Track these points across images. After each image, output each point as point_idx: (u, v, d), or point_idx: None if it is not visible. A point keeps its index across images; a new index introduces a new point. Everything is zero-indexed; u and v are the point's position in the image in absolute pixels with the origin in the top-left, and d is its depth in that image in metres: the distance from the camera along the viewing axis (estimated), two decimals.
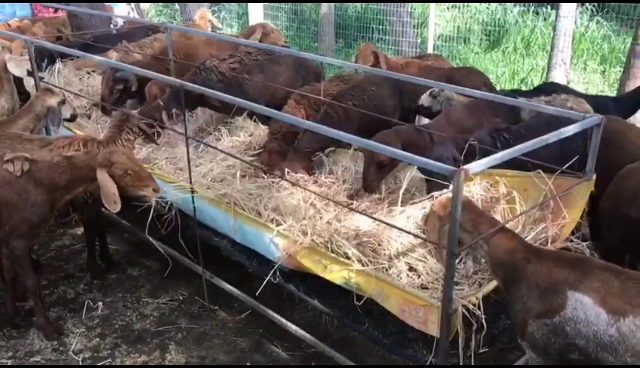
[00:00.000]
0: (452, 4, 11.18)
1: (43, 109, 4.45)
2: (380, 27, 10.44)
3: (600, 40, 10.94)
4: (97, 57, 5.05)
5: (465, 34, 11.04)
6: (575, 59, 10.17)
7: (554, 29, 8.59)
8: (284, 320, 3.71)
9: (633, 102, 4.86)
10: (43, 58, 5.82)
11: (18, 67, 5.06)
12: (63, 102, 4.54)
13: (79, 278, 4.58)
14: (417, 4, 11.26)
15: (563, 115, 3.17)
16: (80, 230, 5.12)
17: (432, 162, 2.54)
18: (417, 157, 2.61)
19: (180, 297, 4.36)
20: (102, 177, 3.39)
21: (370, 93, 4.49)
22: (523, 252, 2.66)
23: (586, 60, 10.54)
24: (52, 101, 4.47)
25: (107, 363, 3.73)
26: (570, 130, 2.84)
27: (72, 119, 4.65)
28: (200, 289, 4.25)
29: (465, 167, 2.40)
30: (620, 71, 9.34)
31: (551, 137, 2.71)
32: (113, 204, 3.44)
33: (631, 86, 6.36)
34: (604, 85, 9.37)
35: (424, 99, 4.74)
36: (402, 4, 9.83)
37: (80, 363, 3.72)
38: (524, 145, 2.59)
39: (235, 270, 4.12)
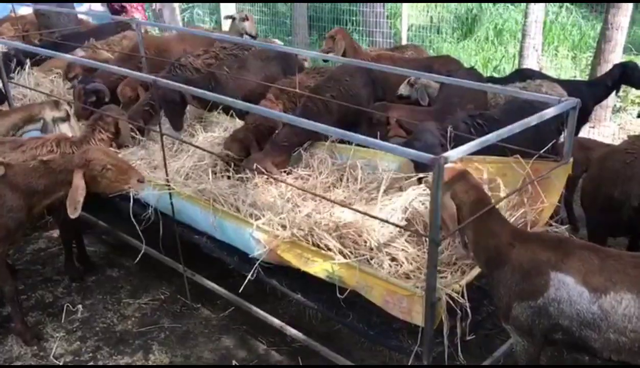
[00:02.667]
0: None
1: (38, 116, 4.38)
2: (354, 18, 10.43)
3: (570, 26, 11.09)
4: (68, 56, 4.93)
5: (438, 24, 11.09)
6: (547, 46, 10.29)
7: (525, 16, 8.67)
8: (268, 316, 3.68)
9: (604, 86, 4.94)
10: (12, 59, 5.67)
11: None
12: (64, 119, 4.43)
13: (57, 282, 4.49)
14: None
15: (539, 100, 3.19)
16: (56, 233, 5.02)
17: (411, 151, 2.54)
18: (398, 146, 2.60)
19: (162, 297, 4.31)
20: (77, 180, 3.31)
21: (345, 84, 4.48)
22: (508, 237, 2.67)
23: (557, 47, 10.68)
24: (49, 114, 4.39)
25: (90, 365, 3.67)
26: (547, 113, 2.86)
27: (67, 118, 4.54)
28: (181, 288, 4.21)
29: (445, 154, 2.40)
30: (590, 57, 9.49)
31: (532, 120, 2.72)
32: (73, 209, 3.34)
33: (602, 70, 6.47)
34: (575, 71, 9.51)
35: (403, 88, 4.74)
36: None
37: None
38: (504, 129, 2.60)
39: (217, 267, 4.07)
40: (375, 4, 9.83)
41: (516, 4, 11.37)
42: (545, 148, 3.22)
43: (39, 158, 3.60)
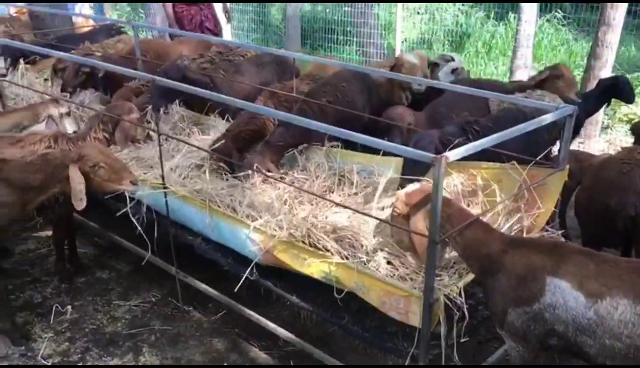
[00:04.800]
0: (417, 8, 11.36)
1: (44, 113, 4.37)
2: (348, 29, 10.51)
3: (560, 45, 11.29)
4: (64, 54, 4.90)
5: (429, 38, 11.23)
6: (536, 63, 10.45)
7: (517, 33, 8.81)
8: (261, 319, 3.66)
9: (596, 99, 5.00)
10: (5, 59, 5.64)
11: None
12: (68, 114, 4.45)
13: (46, 283, 4.42)
14: (382, 9, 11.39)
15: (536, 107, 3.24)
16: (45, 234, 4.96)
17: (413, 150, 2.56)
18: (400, 146, 2.62)
19: (153, 299, 4.26)
20: (73, 172, 3.28)
21: (342, 89, 4.50)
22: (499, 244, 2.68)
23: (544, 64, 10.85)
24: (55, 111, 4.40)
25: (80, 365, 3.62)
26: (545, 119, 2.90)
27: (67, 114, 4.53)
28: (173, 290, 4.17)
29: (446, 154, 2.42)
30: (579, 75, 9.64)
31: (529, 125, 2.76)
32: (79, 201, 3.31)
33: (592, 86, 6.56)
34: None
35: (444, 74, 4.75)
36: (368, 8, 9.91)
37: None
38: (501, 133, 2.63)
39: (209, 269, 4.04)
40: (368, 14, 9.92)
41: (506, 20, 11.56)
42: (542, 154, 3.25)
43: (29, 150, 3.56)
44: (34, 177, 3.38)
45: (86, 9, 9.08)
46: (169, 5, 6.82)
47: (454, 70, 4.82)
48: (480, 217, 3.11)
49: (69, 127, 4.47)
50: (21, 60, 5.84)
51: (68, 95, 5.17)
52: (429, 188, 2.82)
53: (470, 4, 12.23)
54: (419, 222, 2.72)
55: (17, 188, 3.38)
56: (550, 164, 3.25)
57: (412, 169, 3.51)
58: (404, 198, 2.83)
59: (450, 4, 12.36)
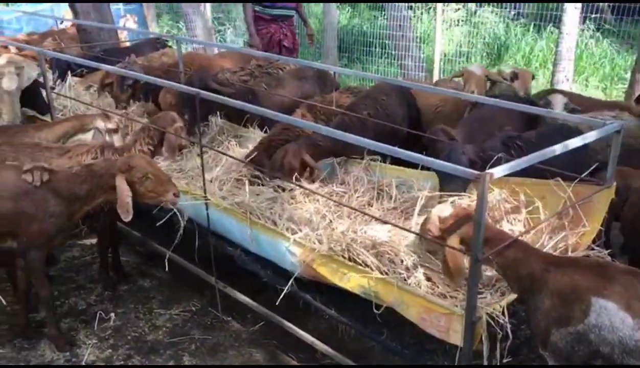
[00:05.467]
0: (456, 20, 11.30)
1: (90, 125, 4.51)
2: (386, 41, 10.51)
3: (602, 57, 11.05)
4: (108, 67, 5.05)
5: (468, 50, 11.15)
6: (577, 76, 10.26)
7: (557, 45, 8.68)
8: (299, 331, 3.67)
9: None
10: (54, 71, 5.84)
11: (10, 81, 5.01)
12: (116, 131, 4.56)
13: (90, 290, 4.54)
14: (420, 21, 11.38)
15: (583, 123, 3.18)
16: (90, 242, 5.10)
17: (456, 166, 2.54)
18: (440, 161, 2.61)
19: (193, 308, 4.32)
20: (120, 183, 3.36)
21: (382, 102, 4.52)
22: (540, 263, 2.63)
23: (588, 77, 10.64)
24: (102, 124, 4.52)
25: None
26: (591, 136, 2.85)
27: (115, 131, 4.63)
28: (213, 300, 4.22)
29: (490, 170, 2.40)
30: (621, 88, 9.43)
31: (575, 142, 2.71)
32: (126, 212, 3.40)
33: None
34: None
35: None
36: (405, 21, 9.90)
37: None
38: (548, 149, 2.59)
39: (248, 280, 4.09)
40: (405, 27, 9.90)
41: (547, 33, 11.38)
42: (588, 171, 3.19)
43: (77, 161, 3.66)
44: (80, 187, 3.48)
45: (130, 23, 9.35)
46: (252, 24, 6.78)
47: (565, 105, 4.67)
48: (521, 237, 3.10)
49: (116, 142, 4.58)
50: (69, 73, 6.04)
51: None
52: (463, 212, 2.86)
53: (510, 16, 12.10)
54: (454, 245, 2.71)
55: (64, 199, 3.48)
56: (597, 181, 3.18)
57: (447, 183, 3.50)
58: (438, 221, 2.83)
59: (490, 15, 12.26)
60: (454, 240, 2.72)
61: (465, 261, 2.69)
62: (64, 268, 4.84)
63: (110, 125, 4.49)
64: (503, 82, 4.98)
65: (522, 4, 12.05)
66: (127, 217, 3.40)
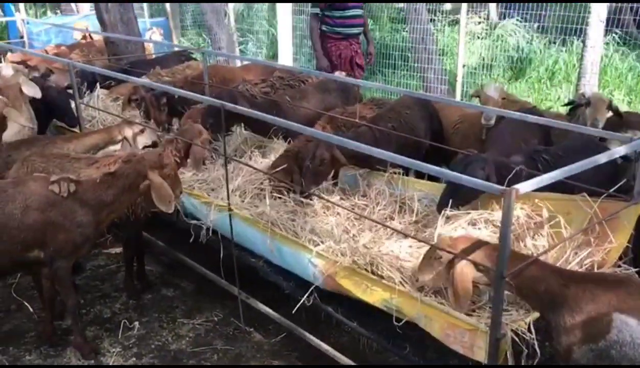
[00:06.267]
0: (478, 32, 11.28)
1: (119, 136, 4.66)
2: (407, 53, 10.52)
3: (626, 70, 10.93)
4: (137, 79, 5.15)
5: (490, 63, 11.11)
6: (601, 89, 10.15)
7: (581, 59, 8.61)
8: (321, 344, 3.68)
9: None
10: (83, 83, 5.97)
11: (32, 88, 5.08)
12: (142, 131, 4.72)
13: (115, 298, 4.61)
14: (442, 34, 11.38)
15: (611, 137, 3.16)
16: (115, 250, 5.18)
17: (481, 181, 2.54)
18: (464, 176, 2.61)
19: (215, 318, 4.36)
20: (154, 177, 3.47)
21: (405, 115, 4.54)
22: (559, 279, 2.61)
23: (612, 91, 10.52)
24: (129, 132, 4.67)
25: None
26: (619, 151, 2.83)
27: (154, 145, 4.73)
28: (235, 310, 4.25)
29: (516, 186, 2.38)
30: None
31: (601, 158, 2.69)
32: (168, 204, 3.50)
33: None
34: None
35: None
36: (427, 33, 9.91)
37: None
38: (573, 165, 2.57)
39: (270, 291, 4.11)
40: (427, 40, 9.90)
41: (571, 47, 11.30)
42: (616, 187, 3.16)
43: (104, 171, 3.73)
44: (106, 194, 3.56)
45: (157, 35, 9.52)
46: (318, 44, 6.63)
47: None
48: (545, 254, 3.08)
49: (146, 140, 4.72)
50: (97, 84, 6.17)
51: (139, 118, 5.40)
52: (472, 237, 2.90)
53: (534, 29, 12.03)
54: (466, 269, 2.71)
55: (92, 208, 3.56)
56: (624, 197, 3.15)
57: (456, 195, 3.49)
58: (449, 245, 2.83)
59: (513, 28, 12.21)
60: (465, 264, 2.71)
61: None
62: (90, 277, 4.92)
63: (136, 129, 4.62)
64: (519, 101, 4.91)
65: (545, 17, 11.98)
66: (170, 207, 3.51)
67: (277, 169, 4.20)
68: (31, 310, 4.35)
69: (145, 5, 14.00)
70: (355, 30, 6.69)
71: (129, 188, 3.58)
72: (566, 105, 4.76)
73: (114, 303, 4.54)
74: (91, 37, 9.16)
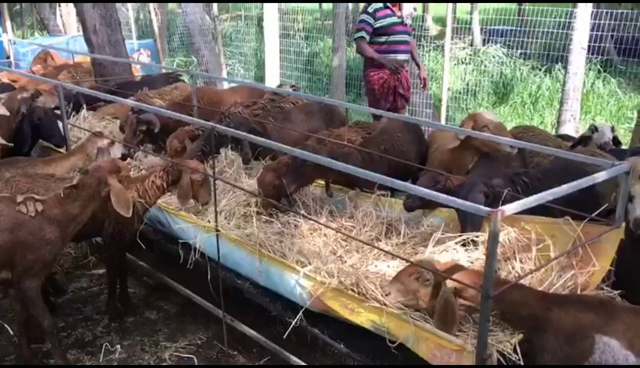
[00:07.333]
0: (462, 58, 11.47)
1: (93, 150, 4.66)
2: None
3: (608, 96, 11.17)
4: (126, 100, 5.16)
5: (474, 88, 11.29)
6: (584, 115, 10.35)
7: (564, 85, 8.78)
8: (304, 365, 3.64)
9: None
10: (69, 103, 5.95)
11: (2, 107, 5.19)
12: (112, 143, 4.74)
13: (97, 321, 4.53)
14: (427, 59, 11.55)
15: (593, 163, 3.22)
16: (97, 272, 5.11)
17: (468, 203, 2.56)
18: (453, 198, 2.63)
19: (199, 341, 4.30)
20: (114, 182, 3.49)
21: (397, 138, 4.60)
22: (541, 302, 2.66)
23: (594, 116, 10.73)
24: (101, 142, 4.70)
25: None
26: (599, 177, 2.88)
27: (124, 158, 4.76)
28: (219, 333, 4.20)
29: (502, 208, 2.41)
30: (628, 128, 9.49)
31: (585, 181, 2.74)
32: (127, 209, 3.49)
33: None
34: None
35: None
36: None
37: None
38: (560, 188, 2.61)
39: (255, 313, 4.08)
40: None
41: (553, 74, 11.54)
42: (598, 211, 3.20)
43: (67, 185, 3.68)
44: (73, 206, 3.55)
45: (144, 57, 9.56)
46: (372, 51, 6.22)
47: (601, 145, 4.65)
48: (531, 275, 3.11)
49: (117, 152, 4.75)
50: (84, 105, 6.16)
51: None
52: (457, 263, 2.98)
53: (517, 55, 12.27)
54: (449, 297, 2.73)
55: (59, 224, 3.53)
56: (605, 221, 3.20)
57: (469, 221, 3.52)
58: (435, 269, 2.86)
59: (496, 54, 12.44)
60: (448, 294, 2.73)
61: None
62: (72, 299, 4.84)
63: (106, 141, 4.68)
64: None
65: (528, 43, 12.23)
66: (128, 212, 3.49)
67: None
68: (11, 332, 4.26)
69: (133, 26, 14.07)
70: (401, 57, 6.37)
71: (93, 197, 3.57)
72: (578, 143, 4.88)
73: (95, 326, 4.46)
74: (52, 58, 9.18)
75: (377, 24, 6.14)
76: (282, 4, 12.31)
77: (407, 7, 6.26)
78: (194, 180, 4.06)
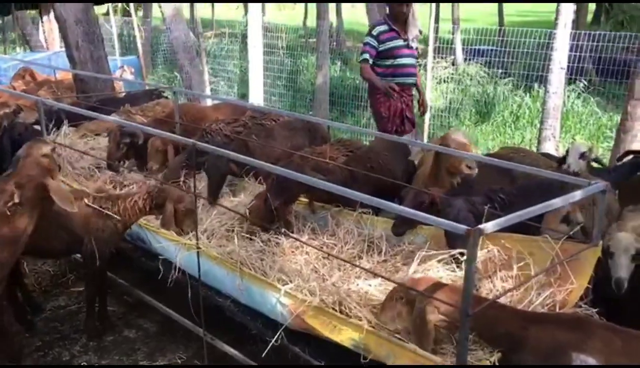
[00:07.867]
0: (445, 77, 11.62)
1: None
2: None
3: (587, 116, 11.37)
4: (108, 117, 5.13)
5: (456, 107, 11.44)
6: (564, 134, 10.52)
7: (544, 104, 8.92)
8: None
9: (623, 174, 4.97)
10: (50, 120, 5.90)
11: None
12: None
13: (75, 340, 4.44)
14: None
15: (571, 182, 3.27)
16: (77, 290, 5.04)
17: (446, 221, 2.58)
18: (432, 217, 2.65)
19: (179, 361, 4.24)
20: (50, 182, 3.43)
21: (384, 157, 4.62)
22: (517, 320, 2.68)
23: (574, 135, 10.90)
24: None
25: None
26: (576, 196, 2.92)
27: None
28: (199, 352, 4.14)
29: (481, 226, 2.42)
30: (607, 147, 9.65)
31: (559, 201, 2.77)
32: (70, 203, 3.44)
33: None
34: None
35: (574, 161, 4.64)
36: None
37: None
38: (536, 207, 2.64)
39: (235, 331, 4.04)
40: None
41: (534, 93, 11.73)
42: (574, 230, 3.25)
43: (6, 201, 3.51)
44: (20, 221, 3.44)
45: (127, 73, 9.54)
46: (373, 74, 6.04)
47: (582, 155, 4.65)
48: (511, 293, 3.13)
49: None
50: (65, 122, 6.11)
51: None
52: (432, 279, 2.99)
53: (497, 75, 12.47)
54: (428, 310, 2.75)
55: (9, 241, 3.43)
56: (583, 239, 3.24)
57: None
58: (411, 286, 2.87)
59: (477, 73, 12.63)
60: (428, 310, 2.75)
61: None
62: (49, 318, 4.75)
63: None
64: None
65: (509, 63, 12.45)
66: (73, 206, 3.47)
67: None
68: None
69: (116, 43, 14.05)
70: (408, 80, 6.17)
71: (36, 204, 3.50)
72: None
73: (73, 345, 4.38)
74: (32, 77, 9.11)
75: (382, 47, 5.99)
76: (266, 21, 12.40)
77: (413, 30, 6.13)
78: (178, 209, 4.02)
